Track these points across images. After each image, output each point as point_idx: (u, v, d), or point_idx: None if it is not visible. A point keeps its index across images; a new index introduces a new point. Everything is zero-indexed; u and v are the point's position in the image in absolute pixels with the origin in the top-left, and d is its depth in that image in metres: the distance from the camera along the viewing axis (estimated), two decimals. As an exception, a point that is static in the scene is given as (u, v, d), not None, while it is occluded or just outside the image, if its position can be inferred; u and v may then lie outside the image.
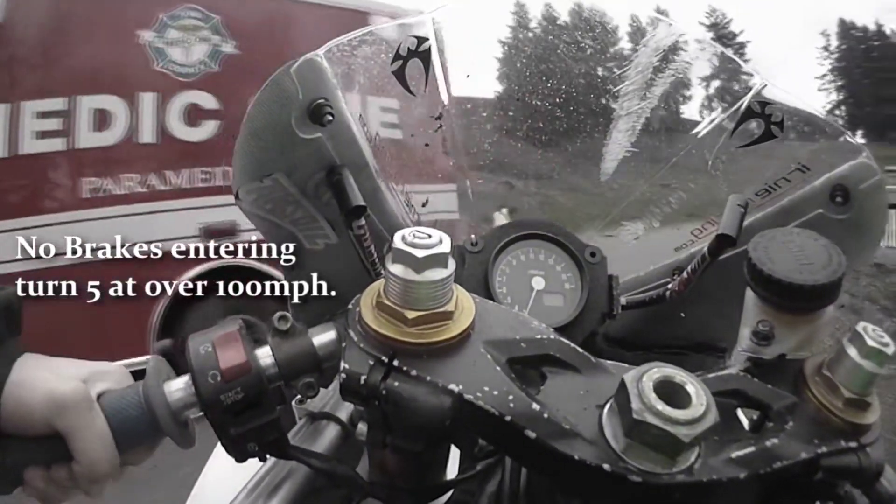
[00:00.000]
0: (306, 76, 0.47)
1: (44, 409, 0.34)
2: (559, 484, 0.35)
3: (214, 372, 0.33)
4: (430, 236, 0.32)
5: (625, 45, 0.63)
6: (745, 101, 0.55)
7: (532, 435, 0.30)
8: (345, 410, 0.47)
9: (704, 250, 0.52)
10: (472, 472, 0.45)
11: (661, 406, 0.27)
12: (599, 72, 0.64)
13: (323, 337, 0.36)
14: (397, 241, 0.32)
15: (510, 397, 0.31)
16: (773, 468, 0.30)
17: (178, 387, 0.36)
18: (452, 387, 0.31)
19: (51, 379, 0.35)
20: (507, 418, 0.30)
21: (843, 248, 0.36)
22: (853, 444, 0.31)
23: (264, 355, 0.35)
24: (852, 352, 0.31)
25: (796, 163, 0.54)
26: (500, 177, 0.68)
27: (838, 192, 0.53)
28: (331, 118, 0.48)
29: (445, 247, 0.32)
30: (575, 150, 0.65)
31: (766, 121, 0.55)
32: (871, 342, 0.30)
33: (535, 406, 0.31)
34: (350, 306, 0.34)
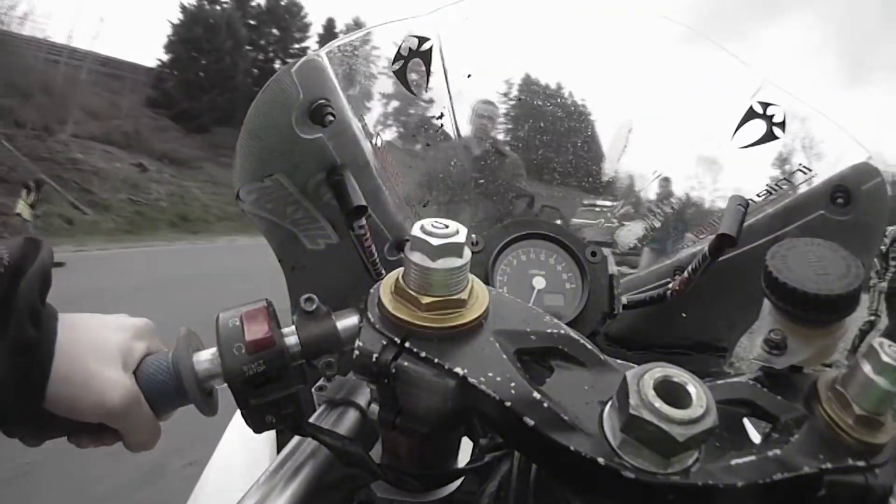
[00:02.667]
0: (307, 76, 0.47)
1: (94, 411, 0.35)
2: (557, 476, 0.35)
3: (239, 344, 0.35)
4: (447, 227, 0.33)
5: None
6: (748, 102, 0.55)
7: (530, 422, 0.30)
8: (363, 399, 0.48)
9: (705, 250, 0.52)
10: (481, 463, 0.45)
11: (658, 403, 0.27)
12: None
13: (346, 321, 0.37)
14: (416, 230, 0.33)
15: (512, 384, 0.31)
16: (772, 479, 0.29)
17: (205, 357, 0.37)
18: (458, 370, 0.32)
19: (98, 376, 0.35)
20: (507, 404, 0.30)
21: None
22: (861, 464, 0.30)
23: (288, 333, 0.37)
24: (867, 367, 0.29)
25: (798, 163, 0.54)
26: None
27: (839, 193, 0.53)
28: (332, 118, 0.48)
29: (461, 237, 0.33)
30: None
31: (767, 121, 0.55)
32: (886, 358, 0.28)
33: (537, 395, 0.31)
34: (372, 290, 0.35)
